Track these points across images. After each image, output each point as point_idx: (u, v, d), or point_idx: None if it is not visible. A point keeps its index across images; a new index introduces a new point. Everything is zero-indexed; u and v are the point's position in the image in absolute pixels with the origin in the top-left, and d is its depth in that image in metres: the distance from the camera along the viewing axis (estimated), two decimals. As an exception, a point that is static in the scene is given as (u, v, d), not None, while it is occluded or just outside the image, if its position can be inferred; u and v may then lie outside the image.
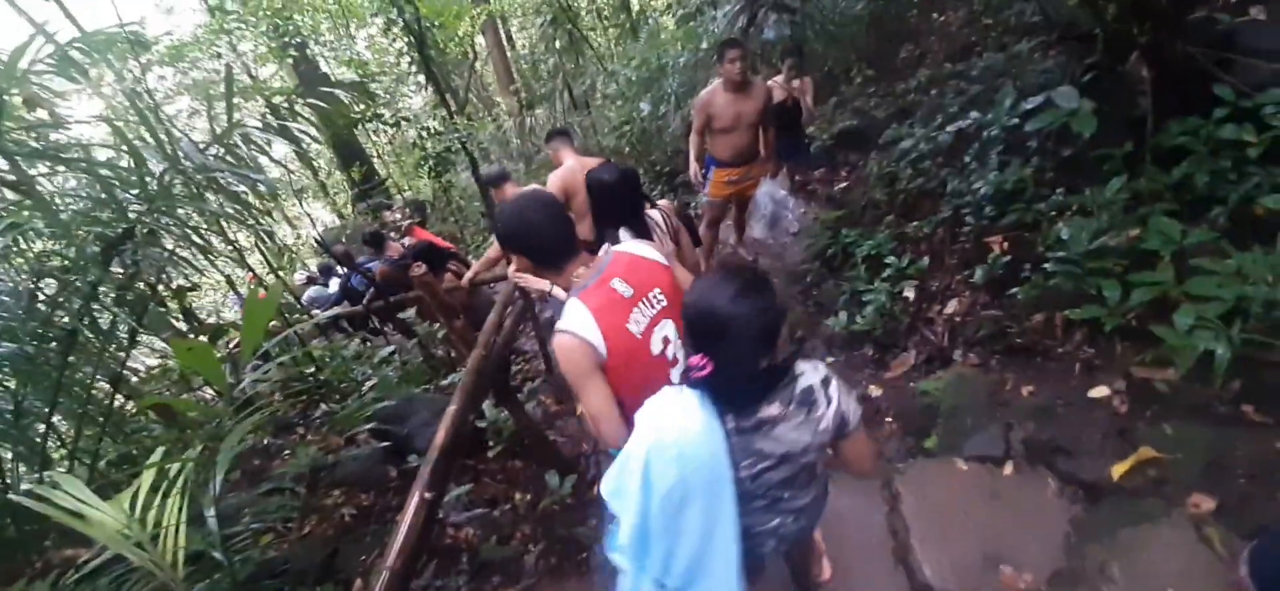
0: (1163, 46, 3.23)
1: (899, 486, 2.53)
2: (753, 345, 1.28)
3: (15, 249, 3.24)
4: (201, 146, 3.84)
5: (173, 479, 2.09)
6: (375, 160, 11.46)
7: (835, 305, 3.87)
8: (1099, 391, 2.56)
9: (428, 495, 1.64)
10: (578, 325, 1.56)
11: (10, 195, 3.14)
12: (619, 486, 1.35)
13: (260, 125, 4.21)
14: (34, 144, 3.59)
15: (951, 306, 3.46)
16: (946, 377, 2.97)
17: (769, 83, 4.79)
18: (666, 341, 1.70)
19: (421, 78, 11.53)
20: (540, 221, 1.65)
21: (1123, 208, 2.96)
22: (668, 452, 1.30)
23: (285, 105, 4.38)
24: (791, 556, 2.00)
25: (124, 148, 3.63)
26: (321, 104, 4.54)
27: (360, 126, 11.67)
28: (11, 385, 3.25)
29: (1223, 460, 2.15)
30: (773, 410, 1.35)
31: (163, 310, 4.62)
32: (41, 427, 3.19)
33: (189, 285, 5.08)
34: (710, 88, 4.26)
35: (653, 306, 1.69)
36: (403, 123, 9.40)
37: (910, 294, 3.64)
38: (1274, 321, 2.16)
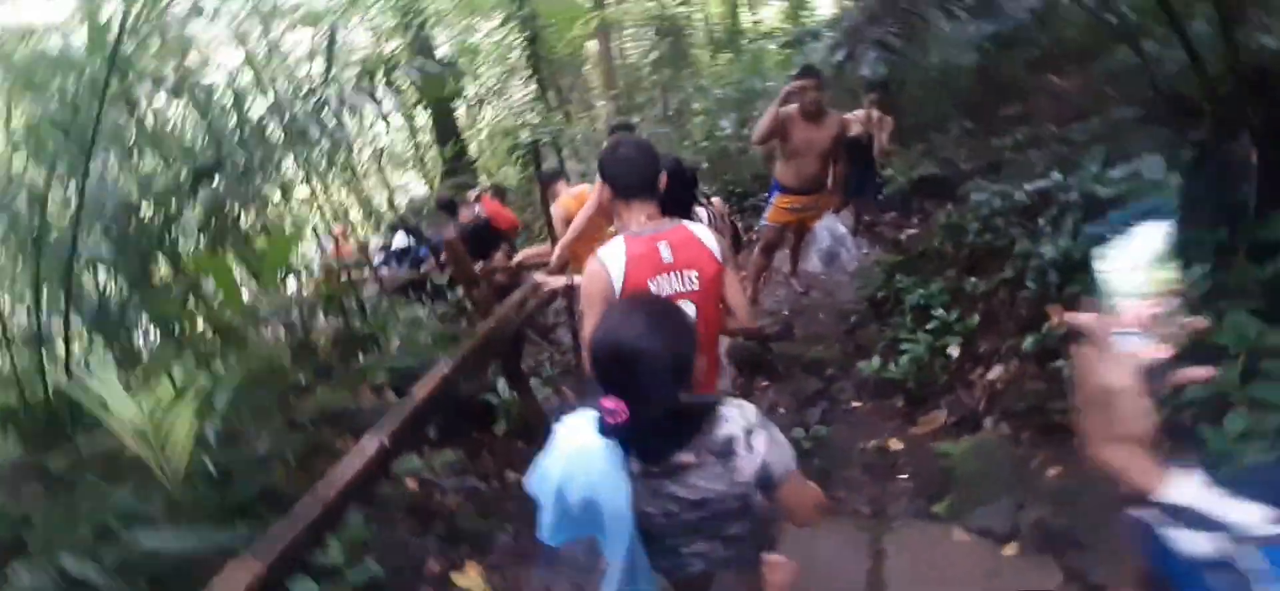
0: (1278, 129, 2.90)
1: (887, 544, 2.38)
2: (665, 381, 1.22)
3: (125, 165, 3.59)
4: (294, 96, 4.16)
5: (183, 391, 2.26)
6: (472, 144, 12.01)
7: (875, 349, 3.70)
8: (1133, 488, 2.31)
9: (385, 442, 1.70)
10: (608, 257, 1.79)
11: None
12: (538, 488, 1.35)
13: (354, 87, 4.52)
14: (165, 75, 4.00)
15: (996, 371, 3.23)
16: (970, 443, 2.78)
17: (849, 116, 4.66)
18: None
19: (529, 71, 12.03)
20: (627, 155, 1.94)
21: (1201, 298, 2.66)
22: (576, 479, 1.28)
23: (377, 73, 4.68)
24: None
25: (228, 89, 4.00)
26: (412, 77, 4.84)
27: (462, 108, 12.30)
28: (101, 283, 3.63)
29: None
30: (687, 458, 1.28)
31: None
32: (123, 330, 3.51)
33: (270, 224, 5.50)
34: (793, 105, 4.17)
35: (682, 283, 1.83)
36: (499, 109, 9.79)
37: (955, 351, 3.43)
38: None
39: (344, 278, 5.48)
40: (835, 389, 3.62)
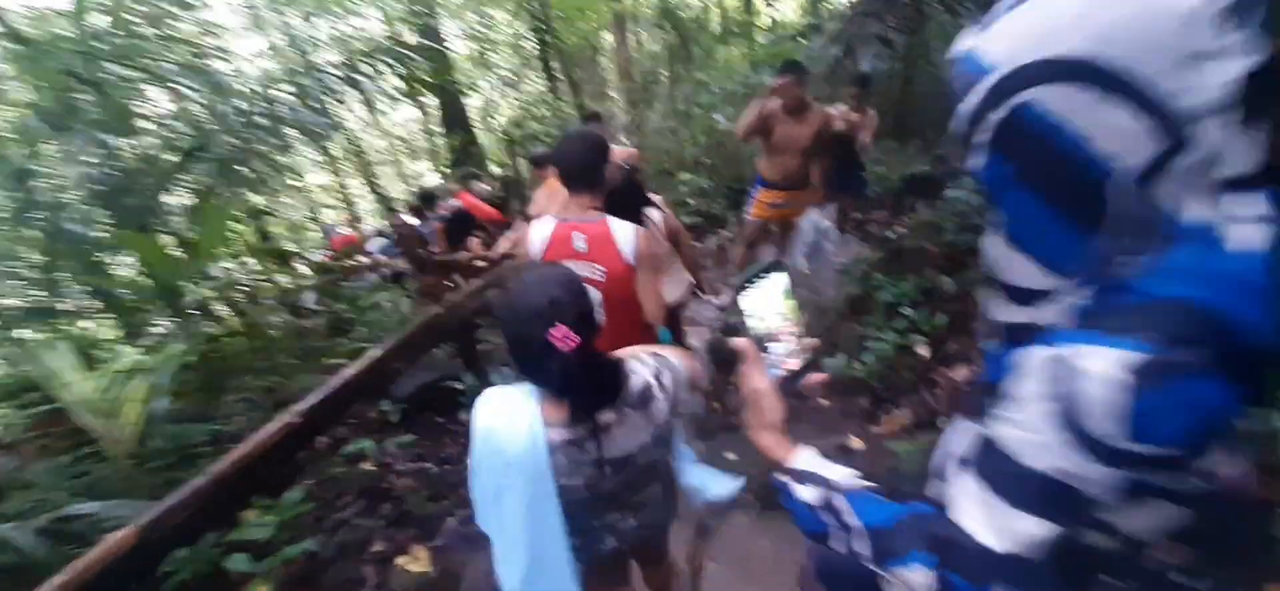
0: None
1: (822, 539, 2.36)
2: (582, 313, 1.25)
3: (101, 147, 3.67)
4: (272, 82, 4.21)
5: (133, 368, 2.32)
6: (482, 135, 12.08)
7: (845, 346, 3.66)
8: (1075, 492, 2.26)
9: (294, 420, 1.73)
10: (536, 232, 2.01)
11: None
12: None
13: (338, 74, 4.56)
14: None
15: (962, 371, 3.18)
16: (921, 441, 2.74)
17: (832, 111, 4.60)
18: None
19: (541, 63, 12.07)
20: (573, 147, 2.07)
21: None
22: (494, 454, 1.29)
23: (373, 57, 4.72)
24: (646, 572, 1.90)
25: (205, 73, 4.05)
26: (395, 63, 4.87)
27: (474, 99, 12.37)
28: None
29: None
30: (610, 416, 1.32)
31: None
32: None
33: (265, 210, 5.59)
34: (776, 101, 4.12)
35: (588, 272, 1.93)
36: (510, 100, 9.82)
37: (924, 350, 3.38)
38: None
39: (340, 266, 5.58)
40: (799, 385, 3.59)
